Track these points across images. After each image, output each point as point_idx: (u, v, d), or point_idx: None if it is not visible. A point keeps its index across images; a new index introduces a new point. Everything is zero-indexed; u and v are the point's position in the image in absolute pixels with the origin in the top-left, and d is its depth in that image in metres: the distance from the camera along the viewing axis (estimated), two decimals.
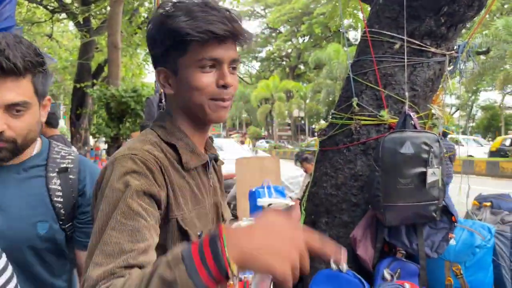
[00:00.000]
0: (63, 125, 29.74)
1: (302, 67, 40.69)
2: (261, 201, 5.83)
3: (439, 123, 2.41)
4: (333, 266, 2.09)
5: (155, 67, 1.09)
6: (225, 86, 1.02)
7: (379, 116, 2.23)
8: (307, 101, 31.70)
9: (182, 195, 1.01)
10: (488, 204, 2.41)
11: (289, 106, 33.69)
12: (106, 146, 10.71)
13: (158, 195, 0.94)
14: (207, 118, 1.05)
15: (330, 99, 27.97)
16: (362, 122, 2.25)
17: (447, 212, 2.03)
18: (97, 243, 0.85)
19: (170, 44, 1.01)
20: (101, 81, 15.01)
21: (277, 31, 40.08)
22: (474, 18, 2.27)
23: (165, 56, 1.04)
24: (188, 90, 1.02)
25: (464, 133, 30.34)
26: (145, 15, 13.61)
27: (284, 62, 42.33)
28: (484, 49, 17.06)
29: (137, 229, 0.87)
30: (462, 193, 2.32)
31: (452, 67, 2.35)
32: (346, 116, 2.31)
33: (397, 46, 2.22)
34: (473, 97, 33.32)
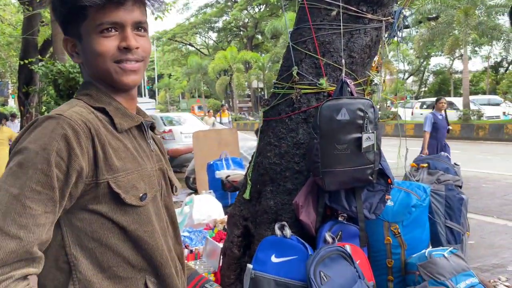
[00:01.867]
0: (13, 104, 28.30)
1: (259, 37, 40.34)
2: (219, 174, 5.86)
3: (378, 89, 2.48)
4: (278, 232, 2.15)
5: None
6: (127, 49, 0.99)
7: (319, 84, 2.26)
8: (266, 71, 31.62)
9: (117, 157, 0.98)
10: (425, 165, 2.52)
11: (248, 77, 33.49)
12: None
13: (78, 164, 0.90)
14: (116, 83, 1.03)
15: None
16: (303, 91, 2.27)
17: (383, 175, 2.11)
18: (9, 210, 0.84)
19: (68, 12, 0.99)
20: (49, 57, 14.31)
21: (233, 1, 39.34)
22: None
23: (68, 24, 1.02)
24: (93, 57, 1.00)
25: (417, 97, 31.35)
26: None
27: (241, 32, 41.79)
28: (434, 15, 17.49)
29: (53, 199, 0.87)
30: (400, 156, 2.42)
31: (389, 33, 2.39)
32: (287, 85, 2.32)
33: (333, 13, 2.23)
34: (424, 63, 34.31)
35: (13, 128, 10.57)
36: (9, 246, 0.82)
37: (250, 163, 2.48)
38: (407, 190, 2.25)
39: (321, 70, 2.27)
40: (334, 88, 2.23)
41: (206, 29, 43.45)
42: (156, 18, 12.78)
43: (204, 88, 42.14)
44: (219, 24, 42.34)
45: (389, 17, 2.35)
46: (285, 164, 2.29)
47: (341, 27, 2.18)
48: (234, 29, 41.69)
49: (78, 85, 8.04)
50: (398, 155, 2.46)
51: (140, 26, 1.02)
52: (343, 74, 2.16)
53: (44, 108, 8.80)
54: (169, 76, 49.79)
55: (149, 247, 1.01)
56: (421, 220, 2.26)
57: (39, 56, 12.52)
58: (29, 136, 0.90)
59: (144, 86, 38.09)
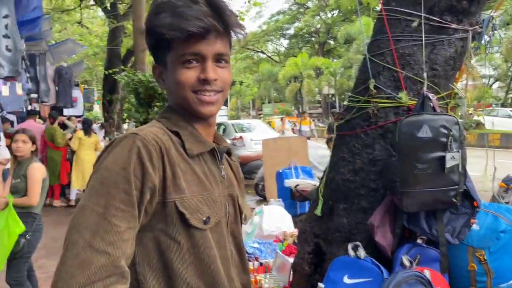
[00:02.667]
0: (98, 110, 30.46)
1: (331, 42, 39.84)
2: (288, 182, 5.83)
3: (463, 103, 2.31)
4: (351, 252, 2.07)
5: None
6: (206, 81, 1.03)
7: (398, 98, 2.15)
8: (338, 77, 31.10)
9: (184, 179, 1.01)
10: None
11: (318, 83, 33.16)
12: None
13: (151, 181, 0.95)
14: (194, 111, 1.07)
15: None
16: (380, 105, 2.18)
17: (468, 197, 1.95)
18: (97, 228, 0.89)
19: (156, 42, 1.06)
20: (130, 67, 15.24)
21: (305, 7, 39.25)
22: None
23: (156, 53, 1.10)
24: (174, 85, 1.06)
25: (503, 105, 29.03)
26: None
27: (313, 38, 41.55)
28: None
29: (134, 216, 0.92)
30: (486, 172, 2.23)
31: (476, 43, 2.23)
32: (363, 99, 2.24)
33: (415, 23, 2.12)
34: None
35: (100, 135, 11.37)
36: (100, 261, 0.87)
37: (322, 178, 2.43)
38: (496, 214, 2.07)
39: (401, 84, 2.16)
40: (415, 102, 2.12)
41: (278, 36, 43.82)
42: None
43: (274, 94, 42.41)
44: (291, 31, 42.52)
45: (476, 26, 2.18)
46: (360, 181, 2.21)
47: (423, 38, 2.06)
48: (306, 35, 41.60)
49: (156, 94, 8.45)
50: (485, 174, 2.27)
51: (221, 58, 1.07)
52: (425, 88, 2.03)
53: (125, 115, 9.36)
54: (241, 83, 50.82)
55: (211, 272, 1.03)
56: (510, 247, 2.06)
57: (122, 67, 13.35)
58: (109, 155, 0.97)
59: None
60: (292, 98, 34.37)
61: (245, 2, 12.45)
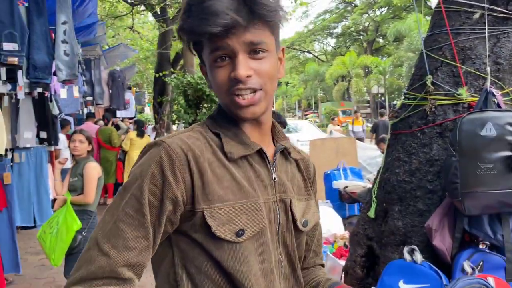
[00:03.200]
0: (148, 112, 31.48)
1: (380, 40, 38.88)
2: (336, 184, 5.73)
3: None
4: (407, 256, 1.98)
5: None
6: (237, 79, 0.91)
7: (457, 94, 2.03)
8: (387, 76, 30.28)
9: (219, 186, 0.93)
10: None
11: (367, 83, 32.47)
12: None
13: (172, 192, 0.90)
14: (234, 115, 0.99)
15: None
16: (438, 102, 2.07)
17: None
18: (105, 228, 0.89)
19: (189, 41, 0.99)
20: (179, 69, 15.59)
21: (353, 5, 38.57)
22: None
23: (196, 52, 1.02)
24: (213, 86, 1.00)
25: None
26: None
27: (361, 37, 40.73)
28: None
29: (144, 225, 0.88)
30: None
31: None
32: (420, 96, 2.14)
33: (476, 15, 2.00)
34: None
35: (152, 137, 11.72)
36: (101, 261, 0.86)
37: (375, 179, 2.34)
38: None
39: (460, 79, 2.04)
40: (476, 99, 1.99)
41: (325, 35, 43.32)
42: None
43: (321, 94, 41.97)
44: (338, 30, 41.90)
45: None
46: (416, 182, 2.11)
47: (486, 30, 1.93)
48: (354, 33, 40.84)
49: (205, 95, 8.59)
50: None
51: (257, 48, 0.93)
52: (488, 83, 1.91)
53: (175, 116, 9.58)
54: (286, 84, 50.69)
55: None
56: None
57: (171, 69, 13.69)
58: (138, 161, 0.95)
59: None
60: (340, 97, 33.85)
61: (291, 2, 12.36)
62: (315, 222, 1.16)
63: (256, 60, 0.93)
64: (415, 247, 1.96)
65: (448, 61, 2.06)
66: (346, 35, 41.33)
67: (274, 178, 1.03)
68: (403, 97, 2.32)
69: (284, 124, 3.43)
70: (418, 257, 1.94)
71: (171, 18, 15.66)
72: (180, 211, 0.92)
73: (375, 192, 2.27)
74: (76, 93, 6.99)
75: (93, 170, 3.89)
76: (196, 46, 0.99)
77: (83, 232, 3.77)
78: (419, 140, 2.13)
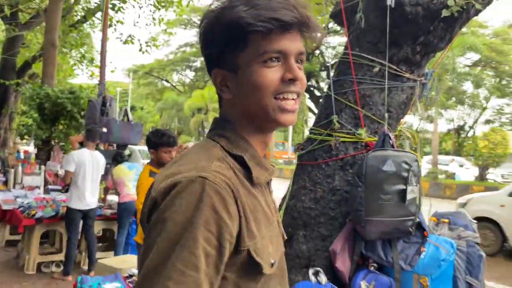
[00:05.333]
0: None
1: None
2: None
3: (406, 143, 2.58)
4: (312, 278, 2.14)
5: (209, 70, 0.97)
6: (293, 80, 0.89)
7: (357, 134, 2.34)
8: None
9: (254, 219, 0.85)
10: (447, 220, 2.61)
11: None
12: (33, 149, 9.98)
13: (229, 233, 0.79)
14: (271, 121, 0.91)
15: None
16: (342, 139, 2.35)
17: (419, 227, 2.17)
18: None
19: (228, 39, 0.90)
20: (28, 79, 14.03)
21: None
22: (443, 50, 2.48)
23: (223, 54, 0.92)
24: (250, 90, 0.90)
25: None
26: (83, 14, 12.98)
27: None
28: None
29: (198, 283, 0.75)
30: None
31: (420, 92, 2.54)
32: (325, 132, 2.40)
33: (376, 69, 2.36)
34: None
35: None
36: None
37: (280, 205, 2.50)
38: (436, 244, 2.32)
39: (360, 121, 2.36)
40: (372, 139, 2.32)
41: (184, 67, 43.92)
42: (143, 53, 12.91)
43: (178, 125, 42.04)
44: (197, 64, 42.92)
45: (422, 78, 2.50)
46: (320, 209, 2.32)
47: (386, 83, 2.30)
48: None
49: (64, 110, 7.88)
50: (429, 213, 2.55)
51: (300, 59, 0.92)
52: (386, 127, 2.25)
53: (24, 130, 8.53)
54: (141, 108, 49.52)
55: None
56: (447, 274, 2.31)
57: (24, 78, 12.24)
58: (173, 205, 0.79)
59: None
60: (195, 129, 34.41)
61: (152, 24, 12.33)
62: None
63: (299, 70, 0.92)
64: (320, 269, 2.15)
65: (351, 105, 2.37)
66: (205, 70, 42.54)
67: (273, 200, 1.02)
68: (308, 131, 2.56)
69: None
70: (323, 278, 2.13)
71: (23, 23, 14.15)
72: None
73: (281, 217, 2.41)
74: None
75: None
76: (230, 46, 0.90)
77: None
78: (323, 171, 2.36)
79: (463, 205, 7.46)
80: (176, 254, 0.75)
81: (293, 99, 0.91)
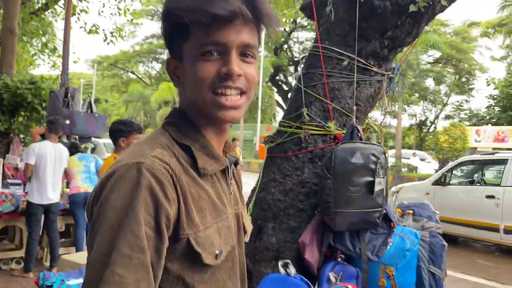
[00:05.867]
0: None
1: None
2: None
3: (373, 137, 2.63)
4: (281, 270, 2.15)
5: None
6: (228, 75, 0.85)
7: (327, 127, 2.36)
8: None
9: (197, 208, 0.84)
10: (411, 212, 2.68)
11: None
12: None
13: (166, 215, 0.78)
14: (211, 117, 0.89)
15: None
16: (311, 131, 2.36)
17: (386, 219, 2.22)
18: (99, 279, 0.72)
19: (171, 29, 0.89)
20: None
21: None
22: (409, 44, 2.53)
23: (171, 43, 0.92)
24: (190, 82, 0.88)
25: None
26: (44, 1, 12.48)
27: None
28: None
29: (145, 264, 0.74)
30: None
31: (387, 86, 2.58)
32: (295, 125, 2.40)
33: (345, 63, 2.38)
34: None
35: None
36: None
37: (250, 197, 2.49)
38: (401, 235, 2.37)
39: (329, 114, 2.38)
40: (341, 131, 2.35)
41: (150, 59, 43.16)
42: (108, 43, 12.56)
43: (144, 118, 41.30)
44: (164, 56, 42.22)
45: (390, 72, 2.54)
46: (290, 201, 2.33)
47: (355, 76, 2.32)
48: None
49: (25, 102, 7.58)
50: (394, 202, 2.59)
51: (247, 52, 0.88)
52: (354, 120, 2.28)
53: None
54: (106, 101, 48.34)
55: None
56: (411, 264, 2.38)
57: None
58: (113, 191, 0.77)
59: None
60: (162, 122, 33.95)
61: (118, 14, 12.00)
62: (250, 232, 1.14)
63: (245, 63, 0.88)
64: (289, 261, 2.15)
65: (320, 98, 2.39)
66: None
67: (232, 191, 0.99)
68: (278, 124, 2.55)
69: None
70: (292, 270, 2.13)
71: None
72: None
73: (251, 210, 2.41)
74: None
75: None
76: (176, 35, 0.89)
77: None
78: (293, 163, 2.37)
79: (396, 193, 8.05)
80: (121, 239, 0.73)
81: (231, 95, 0.87)
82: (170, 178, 0.80)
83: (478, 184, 7.68)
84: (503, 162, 6.92)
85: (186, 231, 0.82)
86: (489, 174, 8.56)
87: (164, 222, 0.78)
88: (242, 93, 0.89)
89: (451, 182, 7.65)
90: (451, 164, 8.30)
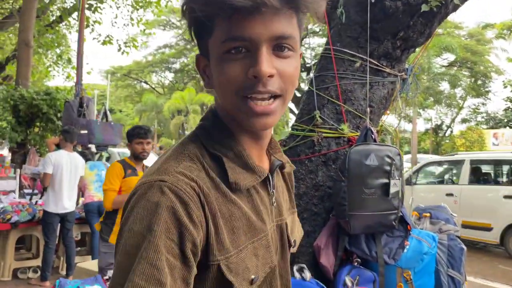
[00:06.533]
0: None
1: None
2: None
3: (388, 139, 2.59)
4: (297, 274, 2.12)
5: None
6: (257, 78, 0.71)
7: (340, 129, 2.33)
8: None
9: (228, 229, 0.75)
10: (428, 214, 2.63)
11: None
12: (7, 152, 9.71)
13: (192, 240, 0.69)
14: (242, 124, 0.78)
15: None
16: (324, 134, 2.34)
17: (403, 221, 2.17)
18: None
19: (193, 24, 0.78)
20: (2, 81, 13.67)
21: (193, 43, 39.84)
22: (423, 45, 2.50)
23: (198, 38, 0.80)
24: (216, 84, 0.77)
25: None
26: (58, 14, 12.71)
27: (198, 75, 42.23)
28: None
29: None
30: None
31: (401, 87, 2.55)
32: (308, 128, 2.38)
33: (357, 64, 2.36)
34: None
35: None
36: None
37: None
38: (419, 238, 2.33)
39: (342, 116, 2.36)
40: (355, 134, 2.32)
41: (163, 68, 43.57)
42: (122, 53, 12.72)
43: (157, 127, 41.66)
44: (177, 65, 42.63)
45: (403, 73, 2.51)
46: (304, 205, 2.31)
47: (368, 78, 2.30)
48: (192, 71, 42.09)
49: (40, 112, 7.70)
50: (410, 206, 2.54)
51: (283, 44, 0.73)
52: (368, 121, 2.25)
53: None
54: (120, 111, 48.88)
55: None
56: (430, 267, 2.33)
57: None
58: (132, 213, 0.70)
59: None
60: (176, 131, 34.13)
61: (130, 24, 12.16)
62: (299, 239, 1.04)
63: (280, 59, 0.73)
64: (304, 265, 2.13)
65: (333, 100, 2.37)
66: (184, 71, 42.34)
67: (273, 202, 0.88)
68: (290, 127, 2.54)
69: None
70: (307, 274, 2.10)
71: None
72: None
73: None
74: None
75: None
76: (203, 30, 0.77)
77: None
78: (306, 167, 2.35)
79: None
80: (136, 269, 0.64)
81: (263, 100, 0.74)
82: (197, 198, 0.71)
83: (440, 183, 8.52)
84: (461, 162, 7.65)
85: (217, 256, 0.72)
86: (449, 174, 9.22)
87: (189, 248, 0.68)
88: (275, 96, 0.75)
89: (417, 182, 8.45)
90: (418, 165, 9.10)
